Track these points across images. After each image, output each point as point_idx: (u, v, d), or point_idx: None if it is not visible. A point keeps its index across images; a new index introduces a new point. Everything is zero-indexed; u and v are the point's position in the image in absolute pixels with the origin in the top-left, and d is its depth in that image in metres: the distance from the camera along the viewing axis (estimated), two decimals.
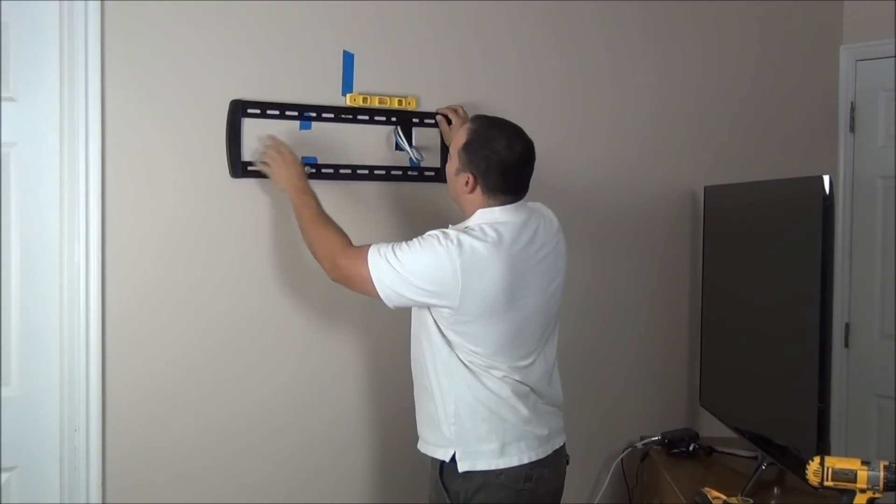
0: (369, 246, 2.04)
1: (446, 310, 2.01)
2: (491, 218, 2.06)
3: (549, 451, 2.14)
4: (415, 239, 2.02)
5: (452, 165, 2.12)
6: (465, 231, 2.02)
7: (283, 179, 2.25)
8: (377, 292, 2.02)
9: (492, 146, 2.05)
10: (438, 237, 2.00)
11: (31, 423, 2.20)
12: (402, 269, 1.98)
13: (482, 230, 2.02)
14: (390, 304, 2.04)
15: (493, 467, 2.06)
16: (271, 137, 2.33)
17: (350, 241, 2.13)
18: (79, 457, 2.21)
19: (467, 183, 2.07)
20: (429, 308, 2.05)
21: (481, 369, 2.06)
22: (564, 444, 2.22)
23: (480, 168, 2.05)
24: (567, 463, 2.23)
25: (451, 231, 2.03)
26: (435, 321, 2.06)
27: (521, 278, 2.05)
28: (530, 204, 2.18)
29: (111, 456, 2.24)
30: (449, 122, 2.52)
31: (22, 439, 2.19)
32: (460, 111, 2.53)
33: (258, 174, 2.36)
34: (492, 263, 1.99)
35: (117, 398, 2.24)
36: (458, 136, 2.12)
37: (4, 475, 2.18)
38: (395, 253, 2.00)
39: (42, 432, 2.21)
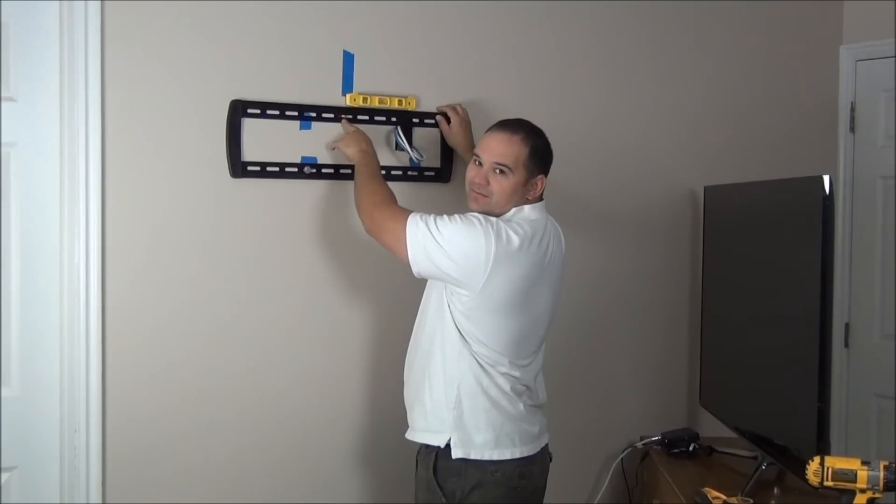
0: (410, 210, 2.10)
1: (465, 294, 2.03)
2: (522, 216, 2.11)
3: (538, 448, 2.17)
4: (455, 214, 2.06)
5: (516, 179, 2.10)
6: (505, 222, 2.06)
7: (352, 144, 2.35)
8: (406, 251, 2.04)
9: (548, 144, 2.18)
10: (479, 219, 2.04)
11: (31, 423, 2.20)
12: (438, 237, 2.01)
13: (520, 225, 2.06)
14: (416, 269, 2.05)
15: (486, 458, 2.08)
16: (345, 120, 2.42)
17: (397, 202, 2.18)
18: (79, 457, 2.21)
19: (538, 185, 2.15)
20: (446, 293, 2.08)
21: (487, 363, 2.08)
22: (547, 443, 2.24)
23: (549, 167, 2.17)
24: (550, 460, 2.25)
25: (491, 217, 2.07)
26: (450, 307, 2.08)
27: (538, 277, 2.09)
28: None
29: (111, 456, 2.25)
30: (448, 121, 2.52)
31: (22, 439, 2.19)
32: (459, 110, 2.53)
33: (258, 174, 2.36)
34: (519, 259, 2.03)
35: (117, 398, 2.25)
36: (514, 149, 2.11)
37: (4, 475, 2.18)
38: (435, 221, 2.04)
39: (42, 432, 2.21)
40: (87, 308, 2.19)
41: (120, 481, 2.26)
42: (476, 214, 2.06)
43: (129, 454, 2.27)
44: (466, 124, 2.53)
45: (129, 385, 2.26)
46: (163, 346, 2.30)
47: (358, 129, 2.41)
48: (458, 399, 2.09)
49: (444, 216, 2.05)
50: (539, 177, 2.14)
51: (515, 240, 2.02)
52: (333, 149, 2.42)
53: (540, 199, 2.18)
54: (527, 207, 2.12)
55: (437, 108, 2.56)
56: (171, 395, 2.31)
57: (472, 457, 2.08)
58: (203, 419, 2.36)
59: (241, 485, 2.42)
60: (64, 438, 2.22)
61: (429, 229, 2.02)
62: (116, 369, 2.24)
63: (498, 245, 1.99)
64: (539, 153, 2.14)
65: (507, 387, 2.10)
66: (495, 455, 2.09)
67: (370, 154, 2.33)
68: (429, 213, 2.09)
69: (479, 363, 2.08)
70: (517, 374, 2.12)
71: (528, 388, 2.16)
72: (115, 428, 2.25)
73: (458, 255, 2.00)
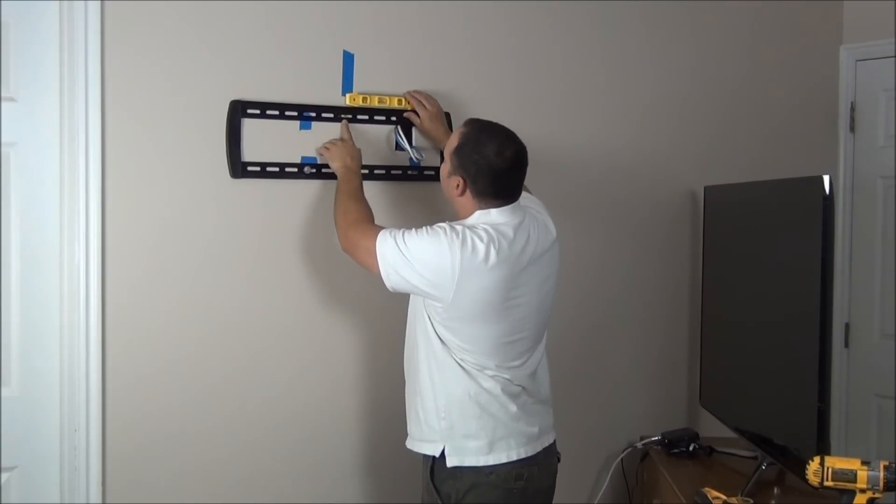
0: (383, 227, 2.10)
1: (439, 305, 2.03)
2: (488, 219, 2.08)
3: (539, 449, 2.15)
4: (424, 227, 2.06)
5: (445, 168, 2.14)
6: (470, 229, 2.04)
7: (337, 157, 2.34)
8: (378, 268, 2.05)
9: (481, 151, 2.06)
10: (445, 229, 2.03)
11: (31, 423, 2.20)
12: (406, 252, 2.02)
13: (485, 231, 2.03)
14: (388, 284, 2.06)
15: (481, 464, 2.07)
16: (343, 125, 2.42)
17: (372, 220, 2.19)
18: (79, 457, 2.21)
19: (458, 186, 2.09)
20: (424, 304, 2.08)
21: (473, 368, 2.07)
22: (555, 441, 2.23)
23: (470, 172, 2.07)
24: (558, 461, 2.24)
25: (457, 226, 2.06)
26: (430, 318, 2.08)
27: (515, 280, 2.06)
28: (525, 203, 2.20)
29: (111, 456, 2.25)
30: (418, 115, 2.51)
31: (22, 439, 2.19)
32: (427, 105, 2.51)
33: (258, 174, 2.37)
34: (489, 265, 2.00)
35: (117, 398, 2.25)
36: (452, 139, 2.14)
37: (4, 475, 2.18)
38: (403, 236, 2.04)
39: (42, 432, 2.21)
40: (87, 308, 2.19)
41: (120, 481, 2.26)
42: (444, 224, 2.05)
43: (129, 454, 2.27)
44: (437, 116, 2.52)
45: (129, 385, 2.26)
46: (163, 345, 2.30)
47: (346, 142, 2.39)
48: (448, 409, 2.08)
49: (413, 229, 2.05)
50: (457, 178, 2.08)
51: (481, 247, 2.00)
52: (321, 154, 2.41)
53: (512, 200, 2.12)
54: (494, 211, 2.09)
55: (405, 94, 2.54)
56: (171, 396, 2.31)
57: (467, 464, 2.08)
58: (203, 419, 2.36)
59: (241, 485, 2.41)
60: (64, 438, 2.21)
61: (396, 244, 2.03)
62: (116, 369, 2.24)
63: (463, 254, 1.98)
64: (461, 150, 2.08)
65: (496, 390, 2.09)
66: (490, 460, 2.08)
67: (352, 171, 2.32)
68: (400, 227, 2.09)
69: (464, 370, 2.07)
70: (507, 375, 2.10)
71: (523, 387, 2.14)
72: (115, 428, 2.25)
73: (423, 268, 2.00)
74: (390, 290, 2.07)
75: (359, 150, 2.38)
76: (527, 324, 2.13)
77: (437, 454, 2.09)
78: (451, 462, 2.08)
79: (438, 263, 1.99)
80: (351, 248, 2.15)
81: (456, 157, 2.10)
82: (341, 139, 2.41)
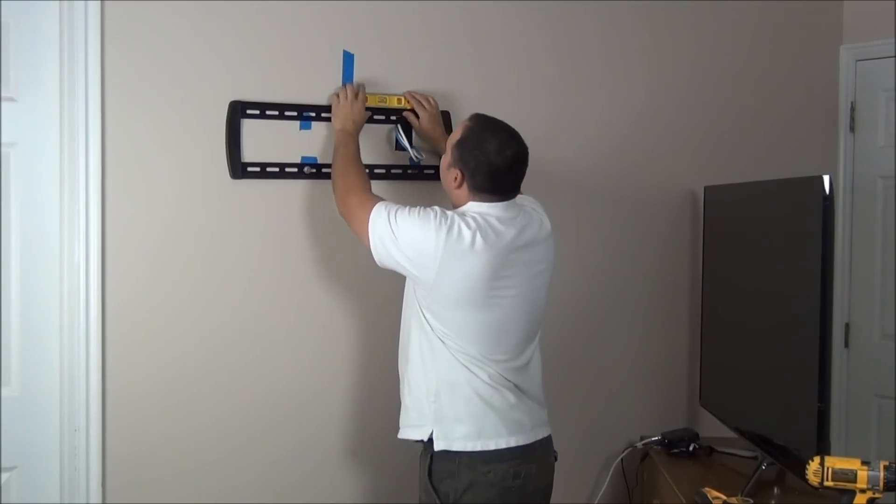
0: (381, 199, 2.13)
1: (423, 290, 2.06)
2: (480, 210, 2.10)
3: (532, 440, 2.14)
4: (418, 206, 2.09)
5: (445, 159, 2.16)
6: (461, 215, 2.07)
7: (340, 118, 2.36)
8: (368, 240, 2.08)
9: (482, 147, 2.08)
10: (436, 212, 2.06)
11: (31, 423, 2.21)
12: (395, 229, 2.05)
13: (473, 218, 2.05)
14: (377, 257, 2.09)
15: (468, 448, 2.07)
16: (357, 85, 2.44)
17: (369, 188, 2.21)
18: (79, 457, 2.21)
19: (455, 179, 2.12)
20: (415, 288, 2.10)
21: (462, 356, 2.08)
22: (551, 439, 2.22)
23: (469, 166, 2.09)
24: (555, 459, 2.24)
25: (448, 211, 2.08)
26: (419, 303, 2.10)
27: (501, 269, 2.07)
28: (521, 200, 2.21)
29: (111, 456, 2.25)
30: (417, 116, 2.52)
31: (22, 439, 2.20)
32: (427, 105, 2.51)
33: (258, 175, 2.37)
34: (474, 250, 2.01)
35: (117, 398, 2.25)
36: (455, 132, 2.16)
37: (4, 475, 2.19)
38: (396, 213, 2.07)
39: (42, 432, 2.21)
40: (87, 308, 2.20)
41: (120, 481, 2.26)
42: (436, 207, 2.07)
43: (129, 454, 2.27)
44: (436, 118, 2.52)
45: (129, 385, 2.26)
46: (163, 345, 2.30)
47: (356, 103, 2.37)
48: (437, 392, 2.09)
49: (407, 208, 2.07)
50: (456, 170, 2.11)
51: (467, 233, 2.01)
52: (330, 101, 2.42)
53: (508, 198, 2.13)
54: (486, 204, 2.10)
55: (405, 94, 2.54)
56: (171, 395, 2.32)
57: (455, 448, 2.07)
58: (203, 419, 2.36)
59: (241, 484, 2.42)
60: (64, 438, 2.22)
61: (388, 220, 2.06)
62: (116, 369, 2.24)
63: (448, 239, 2.00)
64: (463, 144, 2.10)
65: (485, 377, 2.09)
66: (479, 446, 2.07)
67: (350, 134, 2.34)
68: (399, 203, 2.11)
69: (454, 357, 2.08)
70: (496, 368, 2.10)
71: (514, 383, 2.13)
72: (115, 428, 2.25)
73: (407, 248, 2.03)
74: (378, 264, 2.10)
75: (364, 115, 2.40)
76: (514, 317, 2.12)
77: (426, 438, 2.10)
78: (438, 446, 2.08)
79: (422, 245, 2.01)
80: (348, 214, 2.19)
81: (457, 150, 2.11)
82: (354, 94, 2.39)
